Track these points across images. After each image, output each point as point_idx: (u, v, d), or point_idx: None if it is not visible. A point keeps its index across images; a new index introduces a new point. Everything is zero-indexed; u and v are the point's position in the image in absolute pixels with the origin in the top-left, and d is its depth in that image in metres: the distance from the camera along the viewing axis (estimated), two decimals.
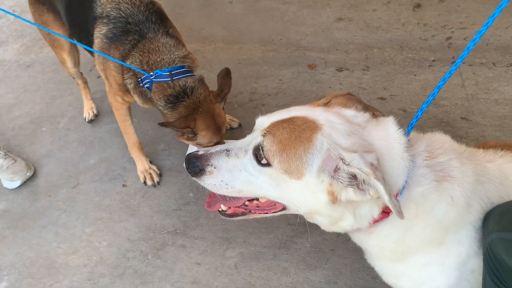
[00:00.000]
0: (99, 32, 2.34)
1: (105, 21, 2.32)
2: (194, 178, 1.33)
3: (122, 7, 2.32)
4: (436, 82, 3.12)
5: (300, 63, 3.49)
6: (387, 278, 1.51)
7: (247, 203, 1.37)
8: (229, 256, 2.40)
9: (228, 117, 2.99)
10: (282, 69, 3.46)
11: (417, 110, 1.40)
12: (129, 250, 2.52)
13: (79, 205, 2.80)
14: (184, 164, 1.33)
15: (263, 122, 1.29)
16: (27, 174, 2.95)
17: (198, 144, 2.47)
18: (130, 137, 2.81)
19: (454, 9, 3.68)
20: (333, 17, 3.88)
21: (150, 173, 2.83)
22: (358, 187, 1.14)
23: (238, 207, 1.38)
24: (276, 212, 1.35)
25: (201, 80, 2.35)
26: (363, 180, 1.11)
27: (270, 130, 1.21)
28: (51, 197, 2.88)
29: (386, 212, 1.24)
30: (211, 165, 1.29)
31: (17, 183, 2.92)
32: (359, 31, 3.69)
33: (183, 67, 2.29)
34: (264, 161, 1.22)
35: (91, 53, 2.55)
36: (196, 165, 1.30)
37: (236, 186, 1.28)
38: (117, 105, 2.62)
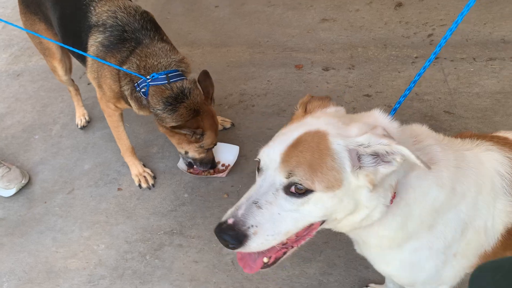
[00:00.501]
0: (95, 40, 2.39)
1: (101, 29, 2.38)
2: (238, 250, 1.18)
3: (118, 16, 2.38)
4: (419, 78, 3.23)
5: (287, 64, 3.58)
6: (378, 265, 1.58)
7: (285, 241, 1.25)
8: (225, 253, 2.46)
9: (220, 118, 3.06)
10: (270, 70, 3.54)
11: (395, 103, 1.50)
12: (127, 252, 2.57)
13: (75, 210, 2.84)
14: (221, 242, 1.19)
15: (271, 156, 1.21)
16: (22, 181, 2.98)
17: (200, 147, 2.55)
18: (123, 143, 2.86)
19: (434, 7, 3.80)
20: (317, 18, 3.97)
21: (144, 176, 2.89)
22: (384, 161, 1.17)
23: (279, 250, 1.27)
24: (315, 230, 1.29)
25: (195, 83, 2.43)
26: (386, 152, 1.14)
27: (292, 161, 1.16)
28: (47, 203, 2.91)
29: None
30: (252, 226, 1.15)
31: (13, 191, 2.95)
32: (343, 31, 3.79)
33: (177, 71, 2.36)
34: (302, 191, 1.16)
35: (83, 62, 2.59)
36: (236, 236, 1.15)
37: (282, 230, 1.18)
38: (110, 111, 2.67)
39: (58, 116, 3.54)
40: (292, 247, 1.28)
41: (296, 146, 1.18)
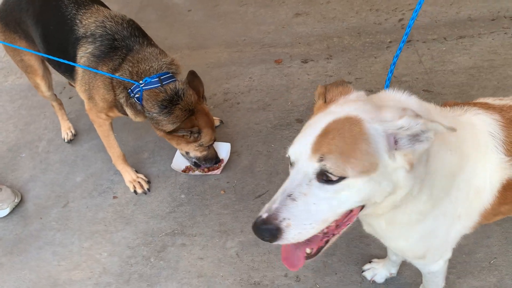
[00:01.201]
0: (85, 52, 2.41)
1: (90, 40, 2.40)
2: (276, 243, 1.20)
3: (107, 25, 2.41)
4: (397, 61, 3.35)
5: (267, 59, 3.65)
6: (396, 242, 1.59)
7: (325, 230, 1.27)
8: (229, 246, 2.51)
9: None
10: (251, 67, 3.60)
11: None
12: (130, 257, 2.58)
13: (72, 223, 2.84)
14: (257, 236, 1.22)
15: (301, 149, 1.22)
16: (15, 200, 2.95)
17: (200, 146, 2.59)
18: (114, 151, 2.87)
19: None
20: (290, 14, 4.06)
21: (138, 182, 2.90)
22: (419, 141, 1.19)
23: (321, 239, 1.29)
24: (355, 216, 1.30)
25: (187, 83, 2.47)
26: (421, 131, 1.17)
27: (323, 149, 1.17)
28: (43, 219, 2.89)
29: None
30: (284, 219, 1.17)
31: (6, 211, 2.92)
32: (317, 23, 3.88)
33: (168, 73, 2.40)
34: (335, 178, 1.16)
35: (71, 75, 2.59)
36: (269, 229, 1.17)
37: (319, 218, 1.19)
38: (100, 121, 2.68)
39: (43, 133, 3.52)
40: (334, 235, 1.29)
41: (325, 134, 1.19)
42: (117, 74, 2.36)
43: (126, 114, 2.56)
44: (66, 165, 3.21)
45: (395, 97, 1.33)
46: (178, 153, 2.93)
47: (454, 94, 2.99)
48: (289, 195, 1.18)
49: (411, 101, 1.34)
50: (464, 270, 2.16)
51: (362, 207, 1.26)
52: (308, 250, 1.29)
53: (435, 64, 3.25)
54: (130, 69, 2.37)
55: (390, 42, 3.53)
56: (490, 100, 1.59)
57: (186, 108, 2.43)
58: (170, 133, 2.42)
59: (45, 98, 3.19)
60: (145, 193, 2.88)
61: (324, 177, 1.17)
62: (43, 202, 3.00)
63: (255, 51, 3.75)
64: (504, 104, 1.54)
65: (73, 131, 3.38)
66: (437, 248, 1.58)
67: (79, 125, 3.48)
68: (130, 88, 2.38)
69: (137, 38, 2.43)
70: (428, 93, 3.03)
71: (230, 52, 3.80)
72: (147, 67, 2.38)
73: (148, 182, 2.93)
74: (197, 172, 2.88)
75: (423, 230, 1.49)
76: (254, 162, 2.90)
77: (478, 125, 1.49)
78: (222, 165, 2.86)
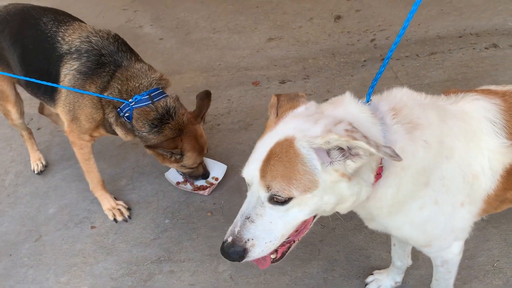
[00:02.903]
0: (69, 69, 2.29)
1: (75, 56, 2.29)
2: (244, 261, 1.33)
3: (92, 40, 2.31)
4: (371, 78, 3.39)
5: (244, 82, 3.62)
6: (392, 231, 1.61)
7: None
8: (222, 270, 2.36)
9: None
10: (228, 90, 3.56)
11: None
12: None
13: (47, 257, 2.61)
14: (226, 259, 1.34)
15: (252, 174, 1.30)
16: None
17: (183, 166, 2.49)
18: (94, 176, 2.71)
19: (371, 15, 4.06)
20: (264, 38, 4.09)
21: (118, 209, 2.73)
22: (352, 155, 1.21)
23: (283, 246, 1.41)
24: (310, 224, 1.41)
25: (178, 99, 2.39)
26: (347, 147, 1.19)
27: (268, 177, 1.26)
28: (13, 255, 2.65)
29: (378, 174, 1.33)
30: (248, 240, 1.30)
31: None
32: (291, 47, 3.92)
33: (158, 89, 2.31)
34: (283, 200, 1.25)
35: (51, 97, 2.44)
36: (236, 252, 1.30)
37: (278, 235, 1.31)
38: (82, 143, 2.54)
39: (10, 166, 3.30)
40: (294, 241, 1.42)
41: (269, 160, 1.26)
42: (106, 93, 2.25)
43: (114, 133, 2.44)
44: (37, 198, 3.00)
45: (348, 107, 1.37)
46: None
47: None
48: (247, 217, 1.30)
49: (401, 94, 1.47)
50: (468, 275, 2.11)
51: (315, 215, 1.37)
52: (273, 256, 1.42)
53: (411, 79, 3.31)
54: (119, 87, 2.26)
55: (364, 61, 3.59)
56: (493, 87, 1.59)
57: (176, 127, 2.33)
58: (148, 148, 2.31)
59: (14, 126, 3.01)
60: (125, 220, 2.71)
61: (274, 199, 1.26)
62: (13, 238, 2.76)
63: (232, 75, 3.72)
64: (508, 90, 1.53)
65: (43, 162, 3.18)
66: (441, 236, 1.56)
67: (50, 156, 3.29)
68: (119, 107, 2.26)
69: (125, 53, 2.34)
70: None
71: (206, 77, 3.76)
72: (137, 84, 2.28)
73: (129, 209, 2.76)
74: (188, 186, 2.75)
75: (412, 220, 1.48)
76: (241, 181, 2.79)
77: (473, 112, 1.46)
78: (213, 187, 2.74)
